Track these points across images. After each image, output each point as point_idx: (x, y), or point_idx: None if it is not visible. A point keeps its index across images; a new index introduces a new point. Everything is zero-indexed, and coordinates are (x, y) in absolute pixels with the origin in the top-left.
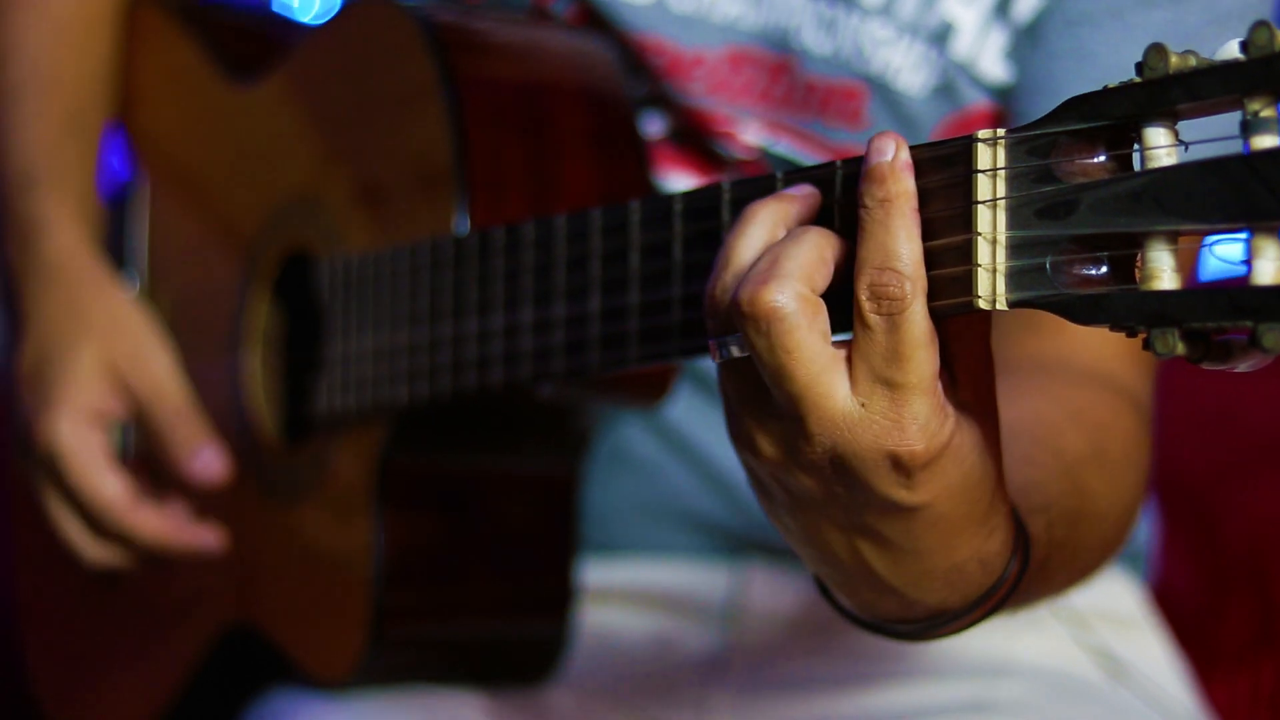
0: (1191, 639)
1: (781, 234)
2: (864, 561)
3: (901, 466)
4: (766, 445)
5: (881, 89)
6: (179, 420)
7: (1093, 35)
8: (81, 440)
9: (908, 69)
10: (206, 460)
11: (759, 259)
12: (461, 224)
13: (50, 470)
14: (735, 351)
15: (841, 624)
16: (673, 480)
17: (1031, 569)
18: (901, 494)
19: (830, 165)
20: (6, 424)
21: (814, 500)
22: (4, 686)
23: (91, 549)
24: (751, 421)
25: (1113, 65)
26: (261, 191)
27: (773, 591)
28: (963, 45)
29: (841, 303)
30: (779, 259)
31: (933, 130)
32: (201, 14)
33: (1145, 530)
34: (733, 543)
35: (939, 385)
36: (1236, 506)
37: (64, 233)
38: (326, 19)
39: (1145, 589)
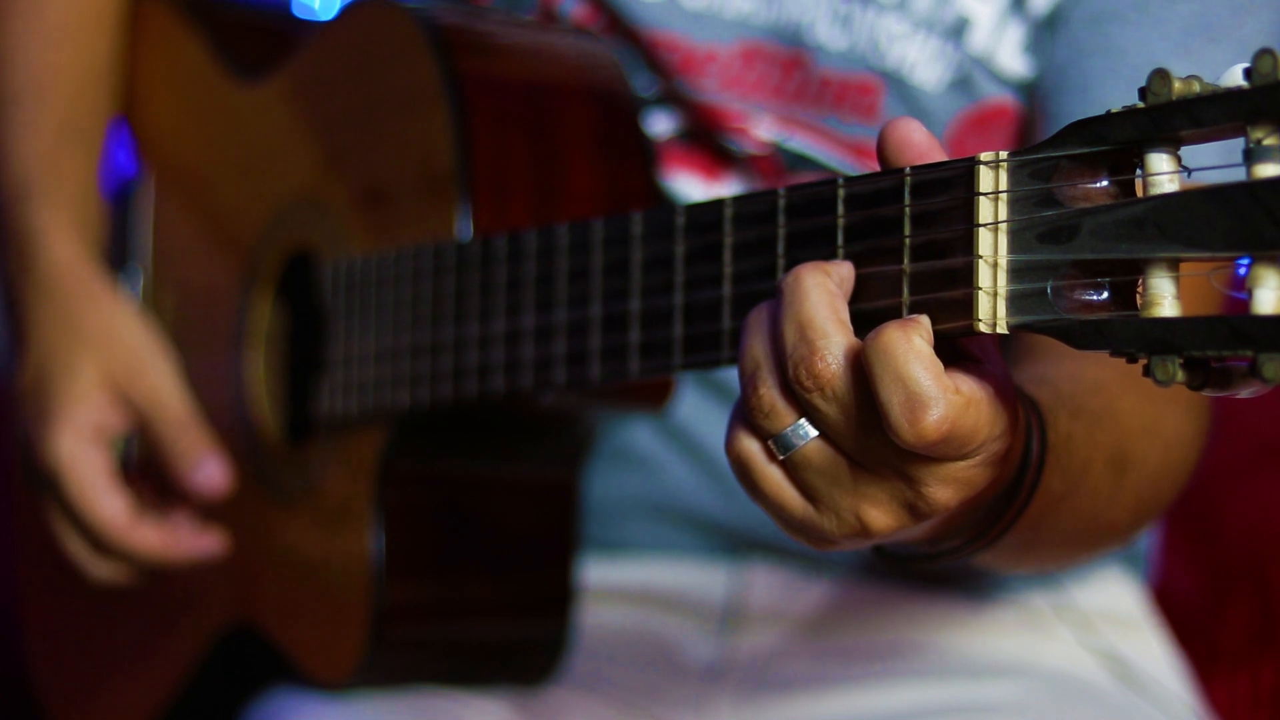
0: (1191, 639)
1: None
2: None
3: (1005, 456)
4: (882, 517)
5: (897, 83)
6: (180, 432)
7: (1121, 31)
8: (81, 458)
9: (923, 63)
10: (209, 472)
11: (779, 339)
12: (464, 228)
13: (51, 488)
14: (808, 433)
15: (842, 624)
16: (676, 478)
17: (1051, 430)
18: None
19: (831, 182)
20: (10, 428)
21: (941, 520)
22: (6, 685)
23: (94, 566)
24: (851, 500)
25: (1142, 60)
26: (265, 191)
27: (774, 591)
28: (979, 39)
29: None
30: (802, 325)
31: (949, 123)
32: (207, 9)
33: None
34: (734, 541)
35: (959, 393)
36: (1236, 506)
37: (59, 244)
38: (331, 17)
39: (1145, 589)
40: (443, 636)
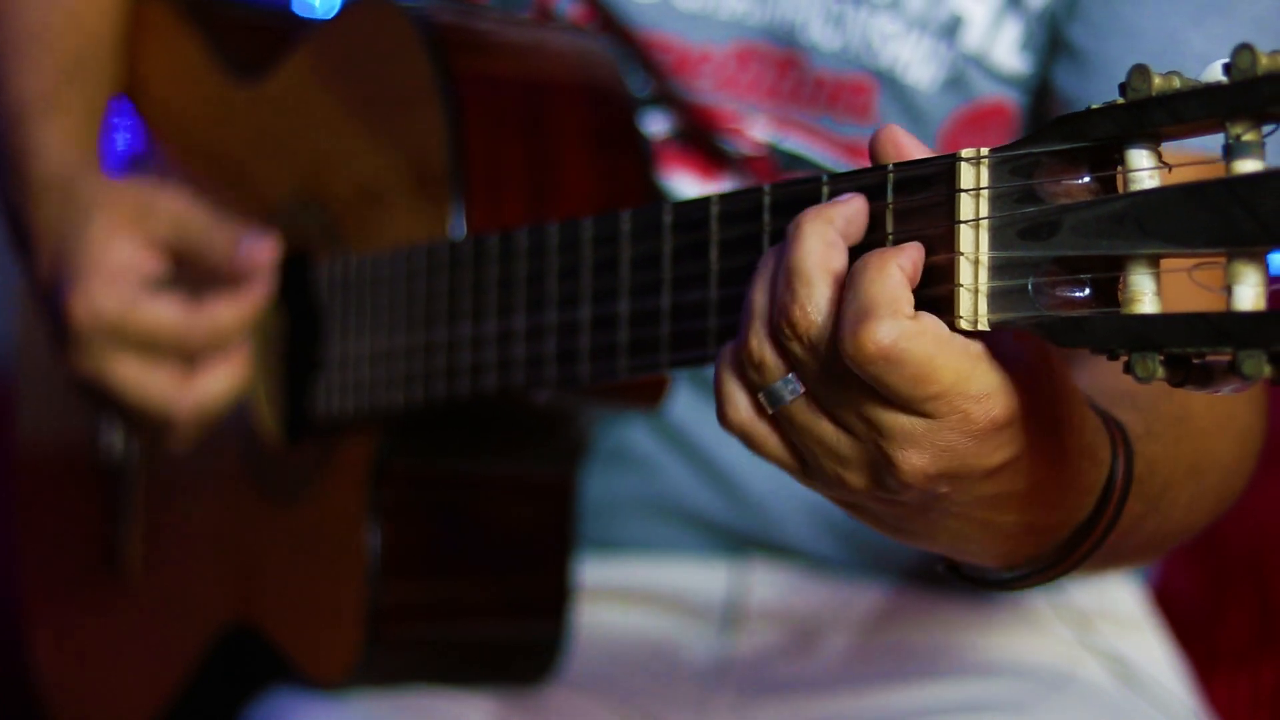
0: (1191, 639)
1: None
2: (992, 523)
3: (994, 434)
4: (855, 478)
5: (891, 83)
6: (213, 230)
7: (1137, 10)
8: (121, 294)
9: (917, 63)
10: (251, 243)
11: (774, 286)
12: (458, 227)
13: (108, 339)
14: (797, 389)
15: (842, 624)
16: (674, 477)
17: (1138, 459)
18: (1005, 453)
19: (816, 180)
20: (10, 429)
21: (923, 504)
22: (6, 685)
23: (182, 400)
24: (831, 463)
25: (1161, 37)
26: (263, 190)
27: (773, 590)
28: (973, 37)
29: None
30: (790, 273)
31: (943, 122)
32: (206, 8)
33: None
34: (733, 540)
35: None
36: (1236, 506)
37: (55, 149)
38: (329, 16)
39: (1145, 589)
40: (439, 636)
